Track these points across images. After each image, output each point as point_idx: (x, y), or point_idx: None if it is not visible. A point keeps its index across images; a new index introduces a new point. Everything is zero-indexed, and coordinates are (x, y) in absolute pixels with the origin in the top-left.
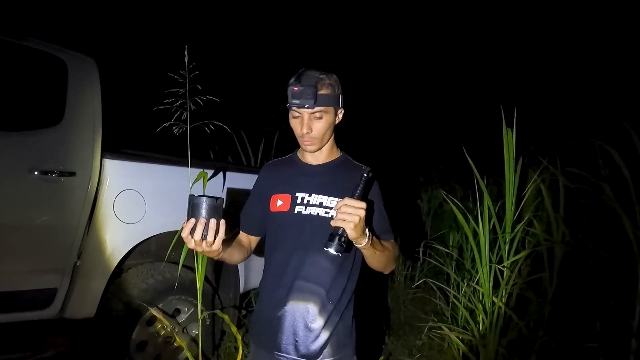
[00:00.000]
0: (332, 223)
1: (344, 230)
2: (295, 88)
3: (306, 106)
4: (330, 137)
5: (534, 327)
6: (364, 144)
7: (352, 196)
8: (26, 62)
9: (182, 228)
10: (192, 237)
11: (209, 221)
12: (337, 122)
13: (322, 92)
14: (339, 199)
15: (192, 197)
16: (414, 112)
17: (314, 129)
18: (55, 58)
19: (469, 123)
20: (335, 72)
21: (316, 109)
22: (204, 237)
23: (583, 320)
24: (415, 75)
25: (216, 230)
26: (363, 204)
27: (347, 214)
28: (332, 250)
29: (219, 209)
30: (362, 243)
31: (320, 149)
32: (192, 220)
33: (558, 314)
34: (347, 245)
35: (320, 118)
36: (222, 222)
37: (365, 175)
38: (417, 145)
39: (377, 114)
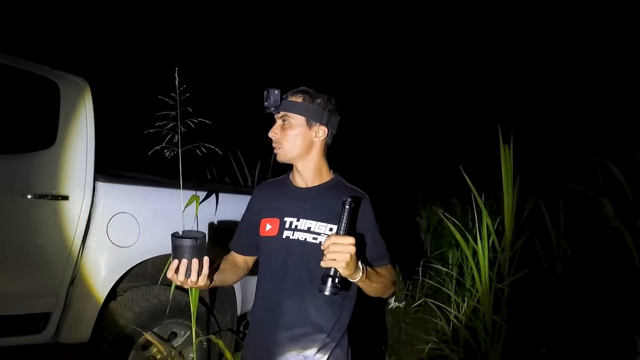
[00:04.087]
0: (323, 264)
1: (335, 270)
2: (264, 92)
3: (271, 109)
4: (303, 152)
5: (537, 345)
6: (361, 161)
7: (337, 231)
8: (17, 84)
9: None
10: (177, 277)
11: (191, 262)
12: (317, 139)
13: (293, 99)
14: (327, 224)
15: (173, 239)
16: (411, 128)
17: (279, 134)
18: (46, 80)
19: (467, 139)
20: (331, 89)
21: (282, 113)
22: (187, 276)
23: (586, 337)
24: (412, 91)
25: (199, 269)
26: (352, 240)
27: (337, 252)
28: (327, 293)
29: (201, 248)
30: (357, 278)
31: (292, 161)
32: (175, 261)
33: (561, 331)
34: (342, 284)
35: (287, 125)
36: (205, 260)
37: (347, 207)
38: (415, 161)
39: (375, 130)
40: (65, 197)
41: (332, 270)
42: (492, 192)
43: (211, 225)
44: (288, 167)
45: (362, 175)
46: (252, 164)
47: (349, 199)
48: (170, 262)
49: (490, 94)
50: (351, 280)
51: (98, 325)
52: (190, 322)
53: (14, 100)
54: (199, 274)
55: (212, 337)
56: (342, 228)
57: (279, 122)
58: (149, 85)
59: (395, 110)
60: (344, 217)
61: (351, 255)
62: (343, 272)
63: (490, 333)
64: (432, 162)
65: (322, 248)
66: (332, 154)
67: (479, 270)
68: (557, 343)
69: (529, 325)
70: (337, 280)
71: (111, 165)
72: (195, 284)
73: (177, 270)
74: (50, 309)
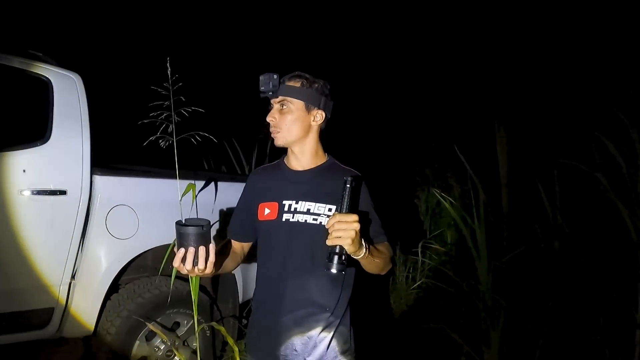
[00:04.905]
0: (328, 242)
1: (341, 248)
2: (261, 77)
3: (269, 94)
4: (302, 135)
5: (538, 323)
6: (357, 144)
7: (340, 210)
8: (10, 81)
9: (173, 243)
10: (184, 266)
11: (197, 249)
12: (315, 123)
13: (291, 83)
14: (327, 205)
15: (178, 227)
16: (407, 110)
17: (277, 118)
18: (39, 76)
19: (463, 120)
20: (327, 71)
21: (280, 97)
22: (195, 264)
23: (586, 314)
24: (408, 73)
25: (206, 256)
26: (355, 217)
27: (342, 230)
28: (333, 271)
29: (206, 235)
30: (361, 254)
31: (290, 145)
32: (182, 250)
33: (560, 309)
34: (348, 261)
35: (286, 109)
36: (212, 246)
37: (348, 185)
38: (412, 144)
39: (371, 113)
40: (63, 192)
41: (338, 248)
42: (488, 171)
43: (210, 213)
44: (283, 154)
45: (359, 158)
46: (249, 152)
47: (349, 178)
48: (176, 251)
49: (484, 73)
50: (355, 257)
51: (101, 318)
52: (192, 310)
53: (8, 97)
54: (205, 261)
55: (214, 324)
56: (345, 206)
57: (276, 106)
58: (141, 76)
59: (390, 94)
60: (346, 196)
61: (356, 232)
62: (348, 249)
63: (491, 312)
64: (428, 144)
65: (326, 227)
66: (330, 136)
67: (477, 248)
68: (557, 320)
69: (529, 303)
70: (343, 258)
71: (108, 158)
72: (202, 271)
73: (183, 259)
74: (52, 304)
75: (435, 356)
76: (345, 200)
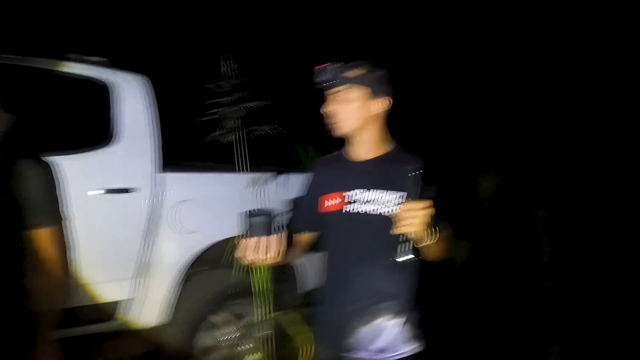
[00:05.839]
0: (397, 230)
1: (410, 236)
2: (318, 68)
3: (327, 84)
4: (361, 125)
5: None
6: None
7: (408, 198)
8: (78, 87)
9: (238, 235)
10: (254, 255)
11: (267, 238)
12: (375, 111)
13: (353, 72)
14: (390, 194)
15: (248, 217)
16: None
17: (336, 109)
18: (107, 80)
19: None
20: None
21: (342, 87)
22: (264, 253)
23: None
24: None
25: (275, 244)
26: (425, 204)
27: (412, 218)
28: (403, 259)
29: (272, 225)
30: (430, 242)
31: (350, 135)
32: (253, 239)
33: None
34: (415, 248)
35: (344, 99)
36: (280, 236)
37: (416, 173)
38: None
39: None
40: (132, 190)
41: (406, 236)
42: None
43: (276, 205)
44: (342, 144)
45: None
46: (307, 143)
47: (416, 166)
48: (245, 241)
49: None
50: (423, 244)
51: (168, 310)
52: (255, 302)
53: (77, 102)
54: (274, 250)
55: (277, 314)
56: (413, 194)
57: (334, 96)
58: (204, 74)
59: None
60: (414, 184)
61: (425, 220)
62: (418, 237)
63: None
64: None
65: (396, 215)
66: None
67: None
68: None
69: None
70: (411, 246)
71: (174, 156)
72: (271, 260)
73: (252, 248)
74: (123, 297)
75: (502, 349)
76: (414, 188)
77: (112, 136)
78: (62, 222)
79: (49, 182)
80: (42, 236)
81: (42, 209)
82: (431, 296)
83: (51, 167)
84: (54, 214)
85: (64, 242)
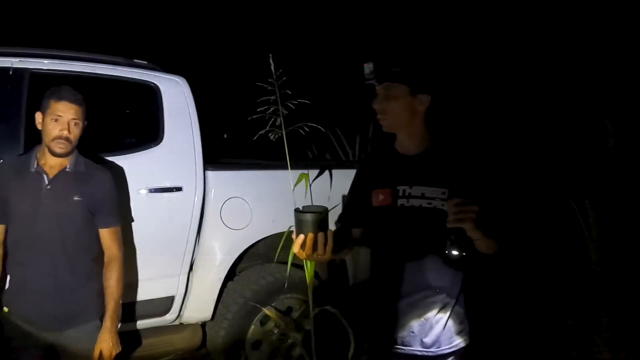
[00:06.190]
0: (448, 225)
1: (461, 230)
2: (365, 64)
3: (373, 80)
4: (408, 120)
5: None
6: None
7: (459, 193)
8: (121, 90)
9: (288, 230)
10: (304, 252)
11: (316, 235)
12: (421, 107)
13: (395, 69)
14: (440, 188)
15: (297, 214)
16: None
17: (383, 105)
18: (149, 83)
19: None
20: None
21: (385, 83)
22: (314, 249)
23: None
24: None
25: (325, 241)
26: (475, 199)
27: (463, 212)
28: (454, 253)
29: (325, 221)
30: (479, 236)
31: (398, 130)
32: (301, 236)
33: None
34: (466, 242)
35: (391, 95)
36: (330, 232)
37: (465, 167)
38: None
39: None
40: (179, 189)
41: (458, 230)
42: None
43: (326, 200)
44: (388, 139)
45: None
46: (351, 138)
47: (466, 160)
48: (295, 238)
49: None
50: (475, 238)
51: (218, 305)
52: (305, 295)
53: (122, 105)
54: (324, 247)
55: (328, 307)
56: (462, 189)
57: (382, 92)
58: (248, 73)
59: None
60: (464, 178)
61: (474, 215)
62: (469, 231)
63: (604, 295)
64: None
65: (446, 209)
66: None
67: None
68: None
69: None
70: (462, 240)
71: (220, 154)
72: (321, 256)
73: (302, 245)
74: (172, 293)
75: (545, 339)
76: (464, 182)
77: (159, 137)
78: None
79: (118, 185)
80: (109, 235)
81: (112, 210)
82: (479, 289)
83: (119, 170)
84: (120, 215)
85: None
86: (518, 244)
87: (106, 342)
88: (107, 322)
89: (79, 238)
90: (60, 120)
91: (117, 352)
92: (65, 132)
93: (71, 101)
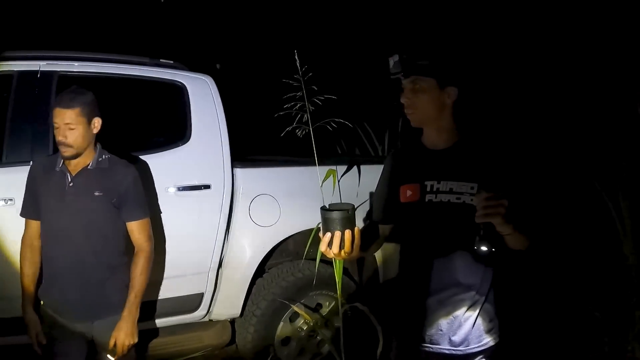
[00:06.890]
0: (477, 220)
1: (491, 225)
2: (390, 58)
3: (400, 74)
4: (436, 114)
5: None
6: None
7: (487, 188)
8: (149, 90)
9: (317, 226)
10: (331, 250)
11: (343, 233)
12: (449, 100)
13: (422, 62)
14: (469, 183)
15: (324, 212)
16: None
17: (411, 98)
18: (176, 82)
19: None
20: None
21: (412, 77)
22: (341, 247)
23: None
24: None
25: (352, 239)
26: (505, 193)
27: (492, 207)
28: (484, 248)
29: (351, 219)
30: (509, 232)
31: (425, 124)
32: (328, 234)
33: None
34: (496, 238)
35: (418, 88)
36: (357, 230)
37: (494, 162)
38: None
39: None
40: (207, 186)
41: (487, 225)
42: None
43: (355, 197)
44: (417, 134)
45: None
46: (380, 133)
47: (495, 154)
48: (321, 236)
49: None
50: (505, 234)
51: (247, 301)
52: (334, 292)
53: (150, 105)
54: (351, 245)
55: (358, 304)
56: (491, 184)
57: (409, 86)
58: (273, 70)
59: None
60: (493, 172)
61: (504, 210)
62: (499, 226)
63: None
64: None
65: (475, 204)
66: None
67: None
68: None
69: None
70: (492, 236)
71: (248, 151)
72: (348, 254)
73: (329, 243)
74: (202, 290)
75: (577, 336)
76: (493, 176)
77: (187, 135)
78: (151, 216)
79: (142, 179)
80: (136, 227)
81: (136, 203)
82: (510, 286)
83: (143, 165)
84: (147, 207)
85: (151, 233)
86: (549, 239)
87: (122, 330)
88: (125, 312)
89: (103, 232)
90: (58, 127)
91: (133, 343)
92: (61, 138)
93: (62, 107)
